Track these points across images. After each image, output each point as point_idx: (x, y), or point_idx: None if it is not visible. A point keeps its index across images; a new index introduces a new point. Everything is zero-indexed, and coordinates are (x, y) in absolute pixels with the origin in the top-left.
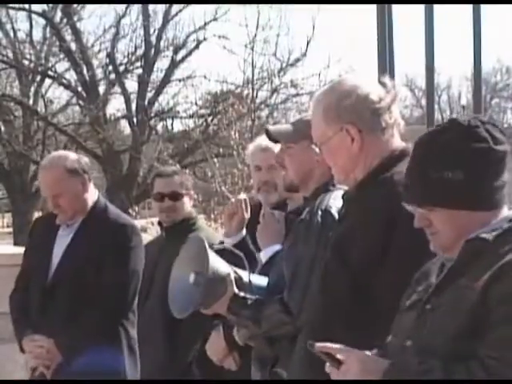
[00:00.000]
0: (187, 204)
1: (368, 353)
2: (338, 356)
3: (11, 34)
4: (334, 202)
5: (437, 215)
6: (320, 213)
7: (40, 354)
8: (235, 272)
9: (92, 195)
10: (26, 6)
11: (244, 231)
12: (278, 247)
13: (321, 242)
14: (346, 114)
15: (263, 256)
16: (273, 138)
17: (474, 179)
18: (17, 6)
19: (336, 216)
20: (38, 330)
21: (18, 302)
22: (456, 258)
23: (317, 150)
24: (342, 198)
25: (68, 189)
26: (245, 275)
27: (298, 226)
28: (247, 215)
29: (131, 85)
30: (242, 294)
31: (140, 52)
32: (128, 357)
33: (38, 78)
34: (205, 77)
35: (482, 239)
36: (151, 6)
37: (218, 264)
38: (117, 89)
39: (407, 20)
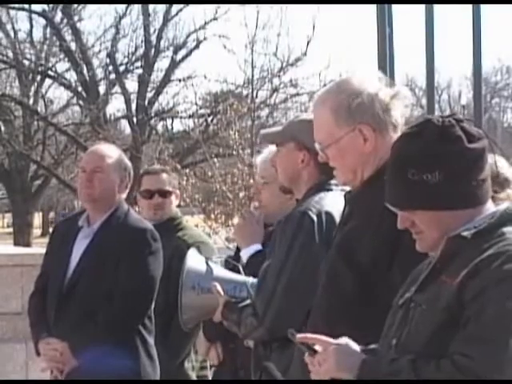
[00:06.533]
0: (174, 203)
1: (350, 344)
2: (316, 347)
3: (11, 34)
4: (317, 204)
5: (419, 217)
6: (298, 215)
7: (53, 357)
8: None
9: (120, 199)
10: (27, 6)
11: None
12: (258, 247)
13: (293, 244)
14: (358, 113)
15: (244, 255)
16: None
17: (452, 180)
18: (17, 5)
19: (314, 218)
20: (54, 332)
21: (35, 304)
22: (438, 256)
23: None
24: (345, 198)
25: (109, 171)
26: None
27: (276, 228)
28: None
29: (131, 85)
30: (233, 300)
31: (140, 52)
32: (145, 362)
33: (38, 77)
34: (205, 77)
35: (463, 237)
36: (151, 6)
37: (203, 274)
38: (117, 89)
39: (407, 20)
